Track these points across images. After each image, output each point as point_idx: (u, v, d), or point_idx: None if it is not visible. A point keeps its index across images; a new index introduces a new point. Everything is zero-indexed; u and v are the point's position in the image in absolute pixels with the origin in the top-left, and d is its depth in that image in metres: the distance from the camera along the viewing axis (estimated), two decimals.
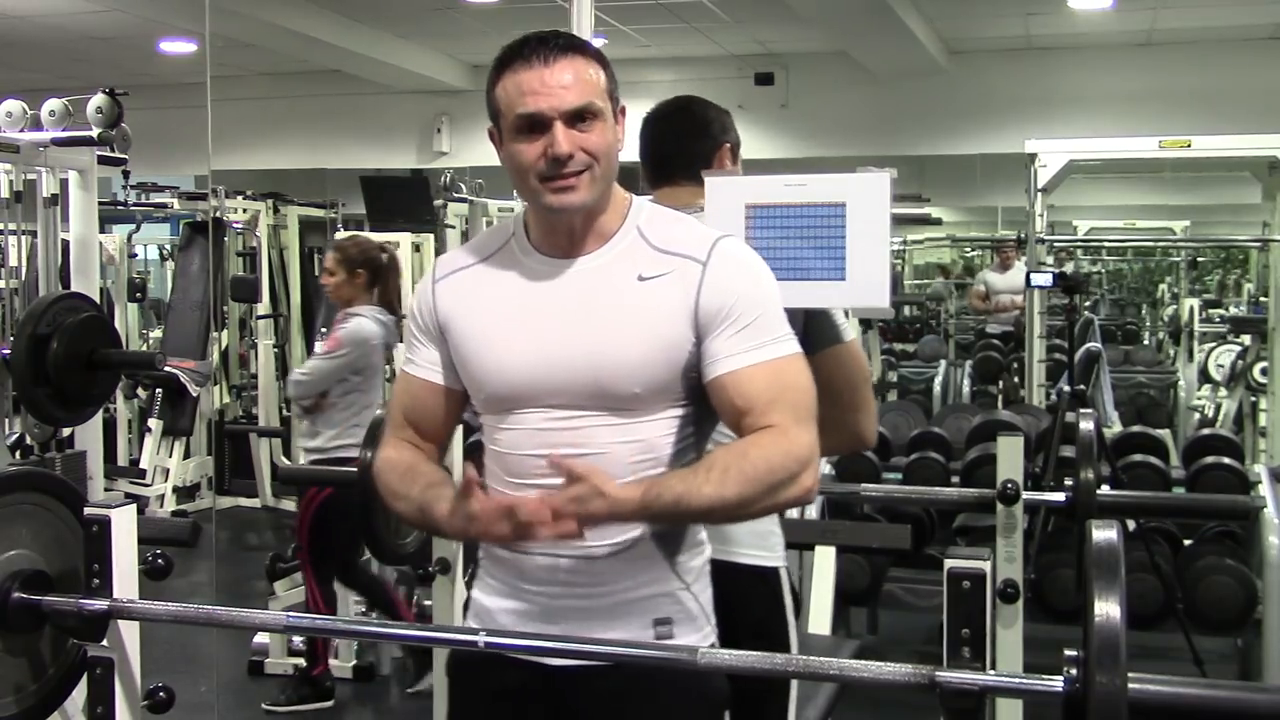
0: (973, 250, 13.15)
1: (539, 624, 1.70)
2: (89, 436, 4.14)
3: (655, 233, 1.72)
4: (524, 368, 1.69)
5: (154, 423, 7.27)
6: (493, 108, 1.70)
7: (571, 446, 1.66)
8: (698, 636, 1.73)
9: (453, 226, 6.69)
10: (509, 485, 1.71)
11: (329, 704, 4.49)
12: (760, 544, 2.08)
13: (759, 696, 2.06)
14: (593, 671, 1.67)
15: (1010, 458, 2.81)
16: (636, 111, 2.05)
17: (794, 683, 2.14)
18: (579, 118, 1.65)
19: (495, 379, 1.71)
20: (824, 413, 2.01)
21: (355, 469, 3.00)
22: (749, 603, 2.04)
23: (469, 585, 1.89)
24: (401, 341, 4.63)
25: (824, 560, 3.76)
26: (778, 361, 1.68)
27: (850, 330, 2.15)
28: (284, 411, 7.89)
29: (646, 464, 1.67)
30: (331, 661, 4.77)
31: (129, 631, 1.94)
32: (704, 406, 1.72)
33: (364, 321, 4.33)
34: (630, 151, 1.94)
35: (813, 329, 2.07)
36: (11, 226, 4.35)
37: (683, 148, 2.23)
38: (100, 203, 4.71)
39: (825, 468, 4.36)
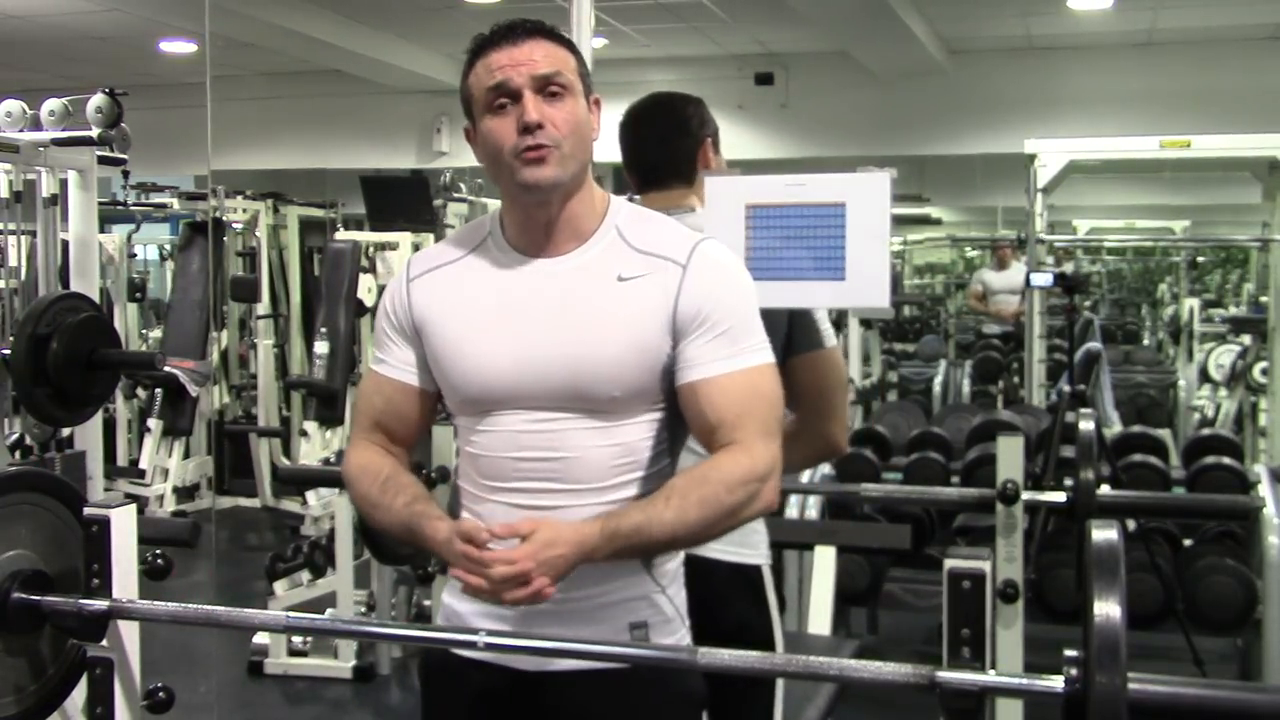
0: (973, 250, 13.16)
1: (514, 628, 1.68)
2: (89, 436, 4.13)
3: (634, 233, 1.70)
4: (501, 370, 1.66)
5: (154, 423, 7.26)
6: (466, 100, 1.70)
7: (549, 449, 1.65)
8: (673, 639, 1.72)
9: (452, 226, 6.70)
10: (484, 489, 1.70)
11: None
12: (740, 541, 2.06)
13: (740, 696, 2.05)
14: (570, 673, 1.66)
15: (1010, 458, 2.81)
16: None
17: (780, 683, 2.13)
18: (548, 90, 1.64)
19: (472, 381, 1.69)
20: (798, 419, 2.00)
21: None
22: (728, 601, 2.03)
23: None
24: None
25: (824, 560, 3.76)
26: (749, 371, 1.66)
27: (832, 336, 2.14)
28: (284, 411, 7.90)
29: (625, 467, 1.66)
30: (331, 661, 4.77)
31: (129, 631, 1.94)
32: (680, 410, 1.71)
33: None
34: (612, 154, 1.92)
35: (795, 332, 2.07)
36: (11, 226, 4.35)
37: (666, 150, 2.20)
38: (100, 203, 4.71)
39: (825, 467, 4.36)
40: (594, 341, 1.64)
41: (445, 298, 1.73)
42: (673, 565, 1.74)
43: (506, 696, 1.69)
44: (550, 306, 1.67)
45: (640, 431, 1.68)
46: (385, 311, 1.79)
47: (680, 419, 1.71)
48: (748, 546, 2.08)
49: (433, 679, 1.81)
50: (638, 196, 2.24)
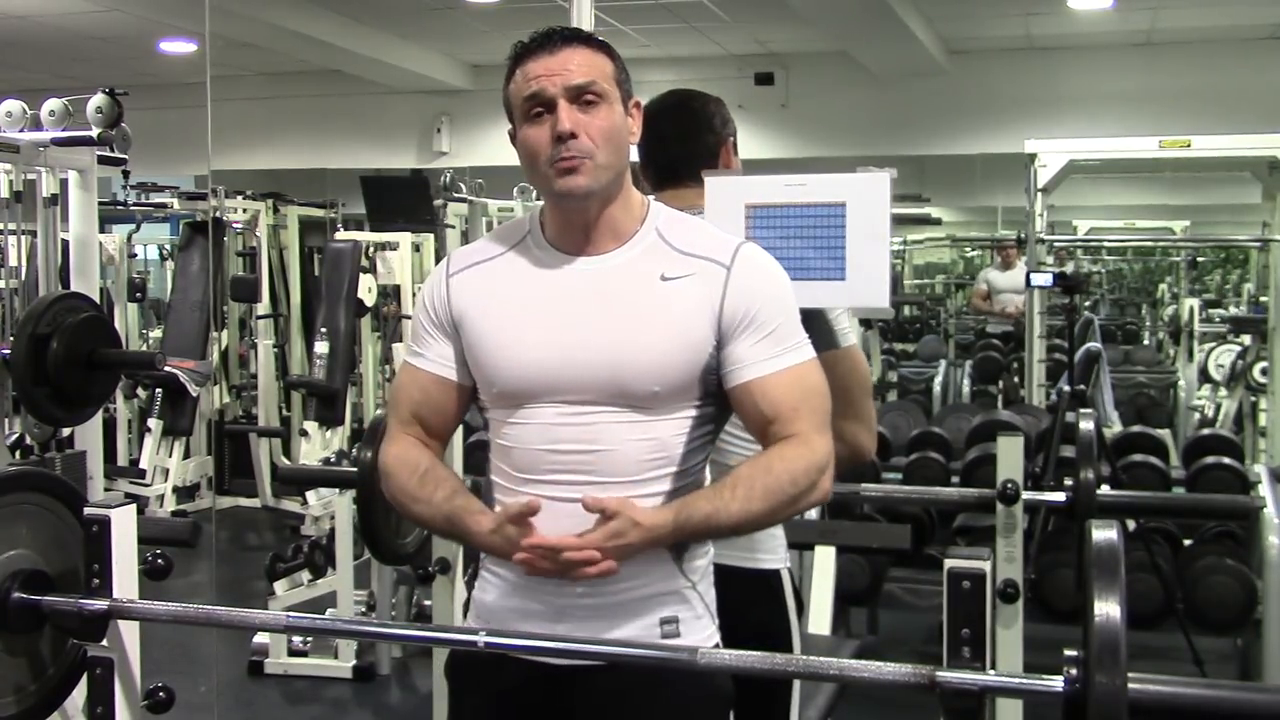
0: (973, 250, 13.15)
1: (545, 623, 1.70)
2: (89, 436, 4.13)
3: (676, 235, 1.74)
4: (540, 362, 1.69)
5: (154, 423, 7.26)
6: (507, 106, 1.73)
7: (583, 442, 1.67)
8: (703, 635, 1.73)
9: (453, 226, 6.69)
10: (516, 481, 1.71)
11: None
12: (761, 547, 2.06)
13: (765, 696, 2.06)
14: (596, 670, 1.67)
15: (1010, 458, 2.82)
16: None
17: (796, 682, 2.14)
18: (584, 99, 1.67)
19: (510, 373, 1.71)
20: None
21: (355, 469, 3.00)
22: (752, 605, 2.03)
23: (469, 585, 1.88)
24: None
25: (824, 560, 3.76)
26: (799, 368, 1.71)
27: (851, 335, 2.11)
28: (284, 411, 7.90)
29: (658, 462, 1.69)
30: (331, 661, 4.77)
31: (129, 631, 1.94)
32: (717, 408, 1.74)
33: None
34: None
35: (810, 333, 2.06)
36: (11, 226, 4.35)
37: (688, 147, 2.17)
38: (100, 203, 4.71)
39: None
40: (639, 337, 1.67)
41: (485, 292, 1.76)
42: (703, 562, 1.76)
43: (536, 692, 1.71)
44: (592, 302, 1.70)
45: (674, 428, 1.70)
46: (423, 306, 1.82)
47: (717, 418, 1.75)
48: (766, 552, 2.08)
49: (462, 674, 1.82)
50: (654, 196, 2.22)
